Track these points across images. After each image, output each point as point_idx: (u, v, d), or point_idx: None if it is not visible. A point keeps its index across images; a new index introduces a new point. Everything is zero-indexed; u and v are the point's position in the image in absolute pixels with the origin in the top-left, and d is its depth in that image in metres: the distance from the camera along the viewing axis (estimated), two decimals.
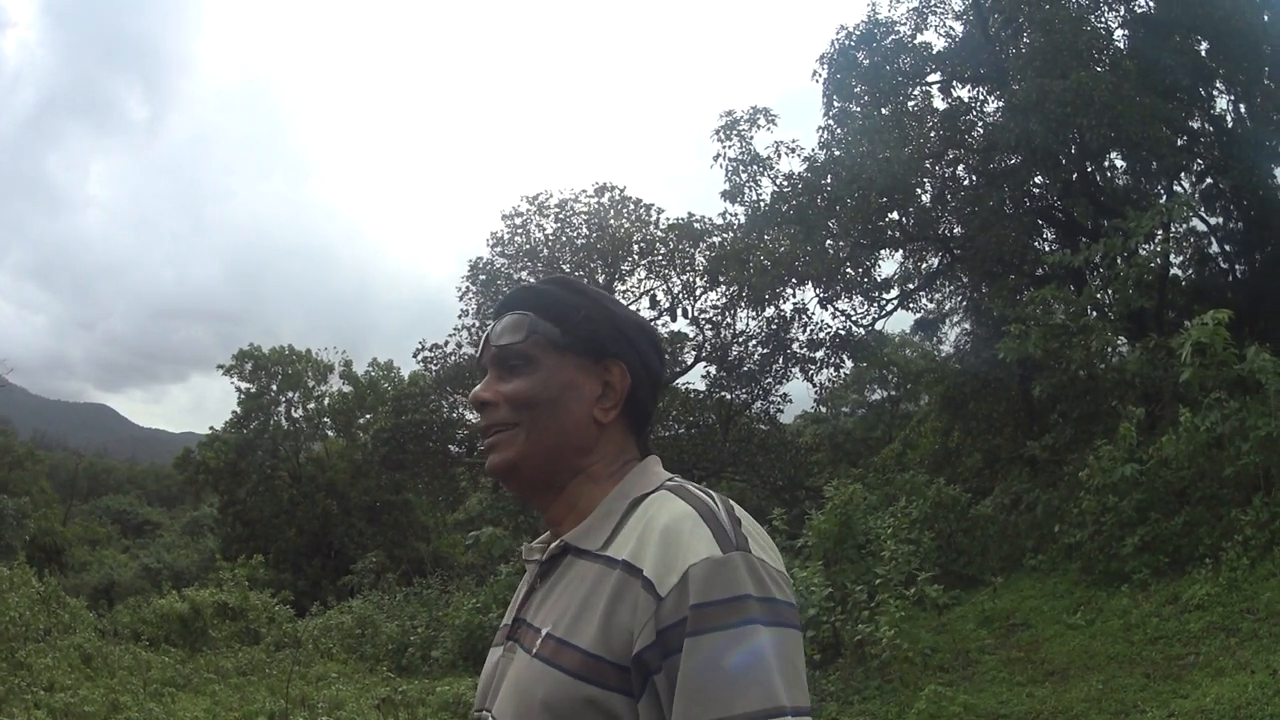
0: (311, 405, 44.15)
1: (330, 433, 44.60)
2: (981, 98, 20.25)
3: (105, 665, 16.23)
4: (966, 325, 22.60)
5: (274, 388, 43.46)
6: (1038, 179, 19.63)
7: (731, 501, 1.53)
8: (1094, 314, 15.52)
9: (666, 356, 1.98)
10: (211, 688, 15.61)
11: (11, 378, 42.00)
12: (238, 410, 42.80)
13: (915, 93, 20.74)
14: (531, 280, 1.83)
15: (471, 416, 29.13)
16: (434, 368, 29.67)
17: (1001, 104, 19.12)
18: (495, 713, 1.56)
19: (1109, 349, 15.72)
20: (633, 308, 29.45)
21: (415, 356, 30.36)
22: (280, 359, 43.34)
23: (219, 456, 41.99)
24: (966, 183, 20.67)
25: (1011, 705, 8.98)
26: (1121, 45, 19.55)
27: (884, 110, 20.48)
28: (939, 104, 20.66)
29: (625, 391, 1.68)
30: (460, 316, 29.01)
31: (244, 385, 42.92)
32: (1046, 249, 18.50)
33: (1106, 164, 19.71)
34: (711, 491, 1.55)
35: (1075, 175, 19.12)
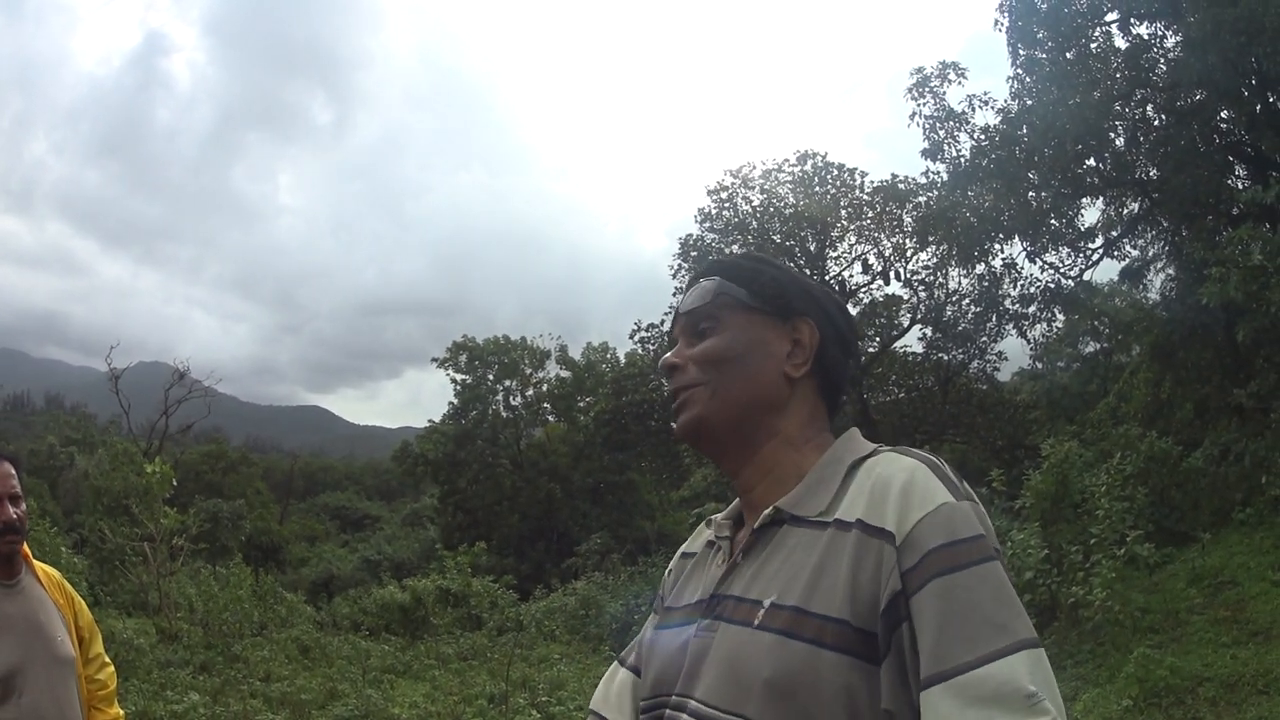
0: (530, 392, 44.43)
1: (550, 418, 44.88)
2: (1160, 33, 19.51)
3: (323, 655, 17.12)
4: (1170, 271, 21.80)
5: (490, 377, 44.00)
6: (1224, 114, 18.83)
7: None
8: None
9: (856, 331, 1.75)
10: (432, 673, 16.19)
11: (220, 387, 43.48)
12: (455, 402, 43.63)
13: (1096, 34, 20.08)
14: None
15: None
16: (651, 347, 30.34)
17: (1180, 39, 18.39)
18: (701, 695, 1.50)
19: None
20: (845, 274, 29.71)
21: (632, 337, 30.99)
22: (495, 349, 43.74)
23: (438, 448, 42.73)
24: (1156, 123, 19.97)
25: (1215, 668, 8.90)
26: None
27: (1068, 54, 19.98)
28: (1120, 43, 20.02)
29: (815, 348, 1.67)
30: (674, 295, 29.17)
31: (460, 377, 43.61)
32: (1240, 187, 17.79)
33: None
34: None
35: (1259, 108, 18.22)
